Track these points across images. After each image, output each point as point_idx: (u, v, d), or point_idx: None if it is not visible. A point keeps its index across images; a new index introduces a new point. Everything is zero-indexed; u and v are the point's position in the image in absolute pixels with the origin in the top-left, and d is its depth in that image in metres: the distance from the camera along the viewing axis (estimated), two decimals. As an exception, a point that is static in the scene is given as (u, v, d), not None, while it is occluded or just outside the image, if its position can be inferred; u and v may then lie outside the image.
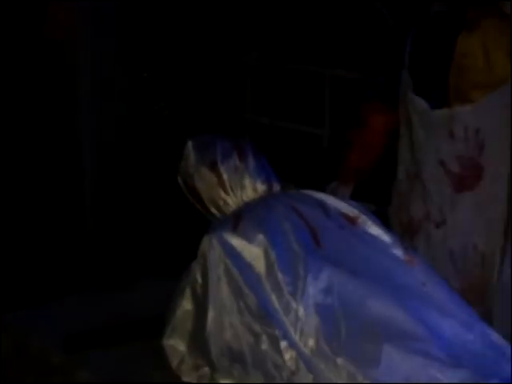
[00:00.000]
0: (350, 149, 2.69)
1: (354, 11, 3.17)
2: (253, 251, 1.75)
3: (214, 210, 1.96)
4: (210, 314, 1.73)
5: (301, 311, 1.67)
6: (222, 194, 1.94)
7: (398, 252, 1.86)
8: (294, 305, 1.68)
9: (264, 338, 1.67)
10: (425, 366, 1.65)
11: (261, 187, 1.94)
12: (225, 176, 1.94)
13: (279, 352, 1.65)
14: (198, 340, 1.77)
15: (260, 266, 1.74)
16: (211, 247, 1.78)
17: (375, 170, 2.70)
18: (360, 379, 1.62)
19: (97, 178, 3.89)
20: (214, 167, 1.95)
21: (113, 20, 3.78)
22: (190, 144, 2.03)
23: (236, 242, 1.77)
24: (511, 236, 2.46)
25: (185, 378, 1.81)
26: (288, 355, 1.65)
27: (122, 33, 3.80)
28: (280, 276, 1.71)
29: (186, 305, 1.83)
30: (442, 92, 2.42)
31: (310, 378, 1.64)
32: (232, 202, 1.93)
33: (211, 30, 3.79)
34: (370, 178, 2.69)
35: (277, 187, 1.96)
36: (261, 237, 1.76)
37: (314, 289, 1.68)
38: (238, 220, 1.82)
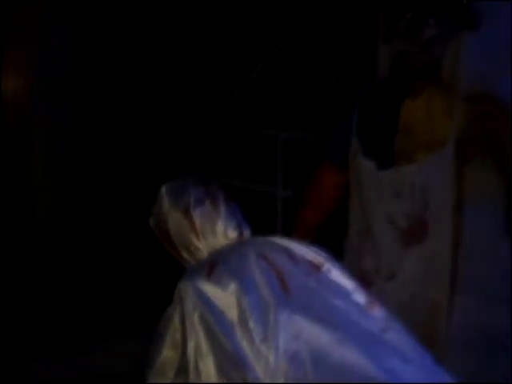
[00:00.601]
0: (305, 207, 2.83)
1: (307, 79, 3.33)
2: (226, 299, 1.78)
3: (185, 255, 1.99)
4: (191, 362, 1.75)
5: (271, 358, 1.70)
6: (194, 240, 1.96)
7: (360, 298, 1.90)
8: (264, 352, 1.71)
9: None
10: None
11: (232, 234, 1.97)
12: (197, 222, 1.96)
13: None
14: None
15: (233, 313, 1.76)
16: (187, 294, 1.81)
17: (328, 227, 2.83)
18: None
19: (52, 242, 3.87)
20: (186, 213, 1.97)
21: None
22: (163, 189, 2.05)
23: (210, 289, 1.80)
24: (458, 288, 2.61)
25: None
26: None
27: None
28: (251, 324, 1.74)
29: (167, 352, 1.84)
30: (389, 154, 2.56)
31: None
32: (203, 247, 1.96)
33: (170, 93, 3.91)
34: (324, 235, 2.80)
35: (247, 234, 2.00)
36: (234, 285, 1.79)
37: (283, 337, 1.72)
38: (211, 268, 1.85)
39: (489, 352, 2.61)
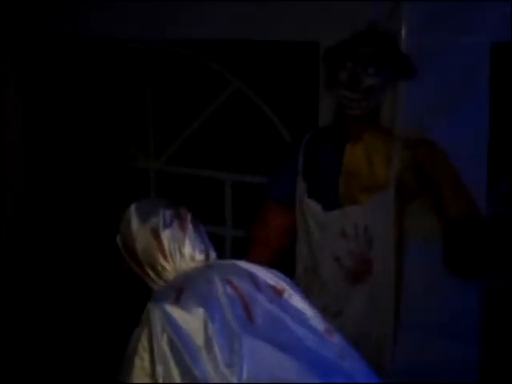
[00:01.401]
0: (252, 246, 2.90)
1: (253, 125, 3.40)
2: (193, 324, 1.79)
3: (152, 274, 1.98)
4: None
5: None
6: (162, 260, 1.96)
7: (319, 325, 1.91)
8: (229, 378, 1.73)
9: None
10: None
11: (199, 256, 1.97)
12: (165, 243, 1.95)
13: None
14: None
15: (199, 338, 1.77)
16: (155, 317, 1.81)
17: (275, 265, 2.90)
18: None
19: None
20: (155, 234, 1.96)
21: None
22: (132, 207, 2.03)
23: (178, 313, 1.80)
24: (401, 325, 2.70)
25: None
26: None
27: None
28: (217, 349, 1.75)
29: (136, 378, 1.83)
30: (334, 195, 2.67)
31: None
32: (171, 268, 1.95)
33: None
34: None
35: (213, 256, 2.00)
36: (201, 311, 1.80)
37: (247, 364, 1.74)
38: (179, 293, 1.85)
39: None
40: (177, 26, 3.28)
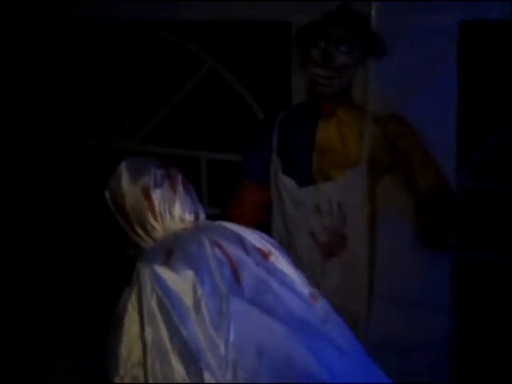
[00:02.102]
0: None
1: (225, 103, 3.43)
2: (182, 285, 1.79)
3: (140, 232, 1.98)
4: (149, 345, 1.76)
5: (222, 347, 1.73)
6: (151, 220, 1.95)
7: (304, 289, 1.94)
8: (216, 341, 1.74)
9: (192, 368, 1.73)
10: None
11: (189, 217, 1.97)
12: (156, 203, 1.95)
13: (203, 383, 1.71)
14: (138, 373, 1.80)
15: (188, 300, 1.78)
16: (145, 277, 1.81)
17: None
18: None
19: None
20: (146, 193, 1.96)
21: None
22: (123, 164, 2.03)
23: (167, 275, 1.81)
24: (374, 297, 2.76)
25: None
26: None
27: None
28: (205, 312, 1.77)
29: (126, 337, 1.83)
30: (308, 172, 2.71)
31: None
32: (160, 228, 1.95)
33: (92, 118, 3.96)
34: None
35: (202, 217, 2.01)
36: (190, 273, 1.80)
37: (234, 327, 1.75)
38: (169, 255, 1.85)
39: (407, 359, 2.79)
40: (151, 7, 3.30)
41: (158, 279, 1.80)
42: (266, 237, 2.03)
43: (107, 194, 2.04)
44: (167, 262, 1.82)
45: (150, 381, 1.74)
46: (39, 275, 3.93)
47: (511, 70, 2.73)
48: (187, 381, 1.72)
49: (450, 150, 2.75)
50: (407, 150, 2.66)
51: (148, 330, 1.77)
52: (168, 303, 1.77)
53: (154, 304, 1.78)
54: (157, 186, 1.96)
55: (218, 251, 1.87)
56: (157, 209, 1.95)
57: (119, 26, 3.63)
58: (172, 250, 1.86)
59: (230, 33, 3.35)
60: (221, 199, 3.07)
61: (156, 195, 1.95)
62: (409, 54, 2.72)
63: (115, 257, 3.73)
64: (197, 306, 1.77)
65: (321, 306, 1.94)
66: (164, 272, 1.80)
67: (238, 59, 3.40)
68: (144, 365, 1.76)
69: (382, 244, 2.76)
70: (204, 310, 1.76)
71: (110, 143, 3.86)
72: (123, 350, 1.81)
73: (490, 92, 2.82)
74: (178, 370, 1.73)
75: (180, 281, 1.79)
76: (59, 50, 3.89)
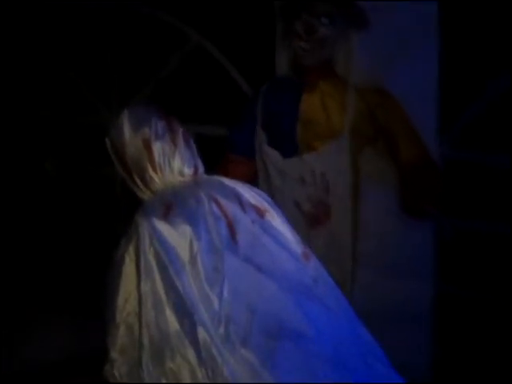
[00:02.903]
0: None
1: (211, 77, 3.46)
2: (179, 240, 1.81)
3: (139, 182, 1.98)
4: (144, 296, 1.79)
5: (215, 303, 1.77)
6: (151, 171, 1.95)
7: (297, 248, 1.97)
8: (210, 296, 1.77)
9: (185, 321, 1.76)
10: (312, 364, 1.80)
11: (188, 171, 1.98)
12: (156, 155, 1.95)
13: (196, 337, 1.74)
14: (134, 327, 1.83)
15: (185, 255, 1.80)
16: (144, 230, 1.83)
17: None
18: (259, 370, 1.74)
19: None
20: (146, 145, 1.95)
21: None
22: (125, 113, 2.01)
23: (166, 229, 1.82)
24: (358, 264, 2.81)
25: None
26: (203, 340, 1.74)
27: None
28: (200, 268, 1.79)
29: (124, 287, 1.85)
30: (292, 143, 2.75)
31: (219, 361, 1.72)
32: (159, 180, 1.96)
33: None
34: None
35: (201, 171, 2.02)
36: (188, 229, 1.82)
37: (228, 284, 1.79)
38: (168, 209, 1.86)
39: (390, 325, 2.84)
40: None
41: (156, 233, 1.82)
42: (263, 194, 2.06)
43: (108, 141, 2.04)
44: (166, 217, 1.84)
45: (144, 331, 1.76)
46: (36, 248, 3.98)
47: (491, 42, 2.77)
48: (180, 333, 1.75)
49: (432, 121, 2.80)
50: (389, 121, 2.70)
51: (144, 282, 1.80)
52: (165, 257, 1.80)
53: (151, 257, 1.81)
54: (158, 137, 1.96)
55: (215, 207, 1.89)
56: (156, 161, 1.95)
57: (107, 2, 3.65)
58: (171, 205, 1.87)
59: (214, 7, 3.38)
60: (207, 173, 3.11)
61: (156, 147, 1.95)
62: (391, 28, 2.76)
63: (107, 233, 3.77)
64: (193, 261, 1.80)
65: (313, 265, 1.98)
66: (162, 226, 1.82)
67: (224, 34, 3.43)
68: (139, 314, 1.79)
69: (365, 213, 2.80)
70: (199, 266, 1.79)
71: (98, 119, 3.89)
72: (120, 299, 1.84)
73: (470, 64, 2.86)
74: (172, 321, 1.76)
75: (177, 236, 1.82)
76: (45, 28, 3.91)
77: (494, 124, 2.85)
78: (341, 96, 2.72)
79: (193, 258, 1.80)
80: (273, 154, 2.79)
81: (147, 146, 1.95)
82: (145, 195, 1.99)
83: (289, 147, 2.75)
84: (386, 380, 1.96)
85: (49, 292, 3.69)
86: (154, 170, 1.95)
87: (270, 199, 2.05)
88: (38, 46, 3.96)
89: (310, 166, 2.71)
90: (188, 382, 1.73)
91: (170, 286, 1.78)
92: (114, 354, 1.83)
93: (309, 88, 2.74)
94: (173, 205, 1.88)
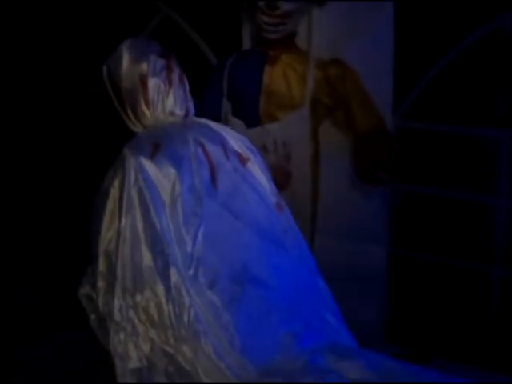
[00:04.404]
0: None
1: (179, 49, 3.54)
2: (163, 182, 1.85)
3: (130, 115, 2.00)
4: (123, 228, 1.83)
5: (189, 245, 1.83)
6: (143, 106, 1.97)
7: (272, 199, 2.04)
8: (185, 238, 1.83)
9: (159, 259, 1.81)
10: (269, 312, 1.89)
11: (179, 112, 2.00)
12: (150, 91, 1.96)
13: (168, 276, 1.80)
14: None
15: (166, 196, 1.85)
16: (130, 166, 1.87)
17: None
18: (221, 313, 1.82)
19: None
20: (142, 79, 1.96)
21: None
22: (126, 44, 2.02)
23: (151, 169, 1.86)
24: (317, 230, 2.95)
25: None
26: (174, 279, 1.80)
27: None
28: (180, 210, 1.84)
29: (105, 217, 1.88)
30: (255, 113, 2.85)
31: (187, 301, 1.79)
32: (150, 116, 1.98)
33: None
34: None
35: (192, 113, 2.05)
36: (173, 172, 1.87)
37: (203, 228, 1.85)
38: (156, 149, 1.90)
39: (346, 285, 2.98)
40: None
41: (141, 171, 1.86)
42: (247, 141, 2.10)
43: (105, 70, 2.05)
44: (153, 157, 1.88)
45: (119, 262, 1.82)
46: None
47: (445, 17, 2.91)
48: (153, 269, 1.81)
49: (387, 92, 2.94)
50: (347, 91, 2.81)
51: (125, 216, 1.84)
52: (147, 195, 1.84)
53: (134, 193, 1.85)
54: (154, 74, 1.97)
55: (200, 152, 1.94)
56: (150, 97, 1.97)
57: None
58: (159, 145, 1.91)
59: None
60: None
61: (151, 83, 1.96)
62: (349, 4, 2.89)
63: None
64: (173, 203, 1.85)
65: (284, 216, 2.06)
66: (148, 166, 1.86)
67: (192, 7, 3.52)
68: (115, 246, 1.84)
69: (324, 181, 2.92)
70: (179, 208, 1.85)
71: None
72: (103, 227, 1.89)
73: (423, 38, 3.00)
74: (147, 257, 1.82)
75: (162, 177, 1.86)
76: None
77: (441, 97, 3.00)
78: (302, 68, 2.83)
79: (173, 200, 1.85)
80: (237, 124, 2.87)
81: (143, 82, 1.96)
82: (136, 128, 2.02)
83: (252, 117, 2.85)
84: (335, 333, 2.05)
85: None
86: (147, 105, 1.97)
87: (252, 147, 2.09)
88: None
89: (272, 135, 2.81)
90: (155, 315, 1.80)
91: (148, 223, 1.83)
92: (92, 280, 1.90)
93: (271, 60, 2.85)
94: (161, 145, 1.91)
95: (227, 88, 2.93)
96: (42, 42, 4.03)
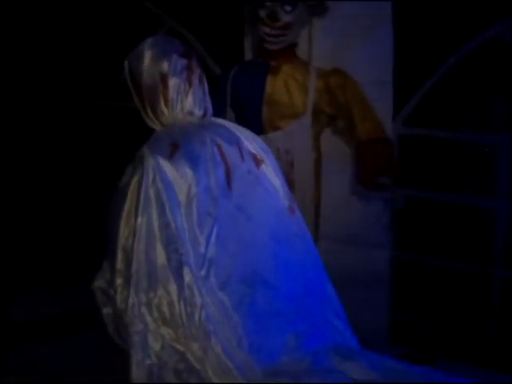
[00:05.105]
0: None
1: None
2: (180, 182, 1.88)
3: (149, 113, 2.01)
4: (139, 227, 1.85)
5: (203, 246, 1.86)
6: (162, 105, 1.99)
7: (285, 201, 2.06)
8: (199, 238, 1.86)
9: (173, 258, 1.84)
10: (276, 315, 1.93)
11: (197, 113, 2.02)
12: (170, 91, 1.98)
13: (181, 275, 1.83)
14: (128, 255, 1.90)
15: (182, 196, 1.87)
16: (149, 165, 1.89)
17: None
18: (231, 313, 1.86)
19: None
20: (163, 79, 1.98)
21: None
22: (149, 42, 2.02)
23: (169, 169, 1.89)
24: (320, 234, 3.00)
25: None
26: (187, 278, 1.83)
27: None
28: (195, 211, 1.87)
29: (123, 215, 1.90)
30: (258, 122, 2.91)
31: (199, 301, 1.82)
32: (169, 115, 1.99)
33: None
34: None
35: (210, 114, 2.08)
36: (190, 172, 1.90)
37: (217, 229, 1.88)
38: (174, 150, 1.92)
39: (350, 289, 3.03)
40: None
41: (159, 171, 1.89)
42: (262, 143, 2.14)
43: (126, 66, 2.05)
44: (171, 157, 1.91)
45: (134, 259, 1.84)
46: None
47: (443, 25, 2.97)
48: (167, 268, 1.84)
49: (387, 100, 3.00)
50: (348, 100, 2.87)
51: (141, 214, 1.87)
52: (164, 195, 1.87)
53: (151, 193, 1.88)
54: (175, 74, 1.98)
55: (216, 152, 1.96)
56: (170, 96, 1.98)
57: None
58: (177, 146, 1.93)
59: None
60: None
61: (172, 83, 1.98)
62: (349, 14, 2.95)
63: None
64: (189, 203, 1.88)
65: (296, 219, 2.09)
66: (166, 166, 1.89)
67: (196, 19, 3.58)
68: (132, 243, 1.86)
69: (326, 188, 2.98)
70: (194, 208, 1.88)
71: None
72: (121, 224, 1.91)
73: (422, 46, 3.05)
74: (161, 256, 1.85)
75: (179, 177, 1.89)
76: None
77: (440, 104, 3.05)
78: (303, 78, 2.89)
79: (189, 200, 1.87)
80: (240, 133, 2.95)
81: (163, 80, 1.98)
82: (154, 125, 2.04)
83: (255, 126, 2.81)
84: (340, 335, 2.10)
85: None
86: (166, 104, 1.99)
87: (267, 147, 2.13)
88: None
89: (275, 143, 2.84)
90: (167, 313, 1.83)
91: (164, 223, 1.86)
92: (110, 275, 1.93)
93: (273, 71, 2.91)
94: (179, 145, 1.93)
95: (230, 98, 2.99)
96: (51, 55, 4.09)
